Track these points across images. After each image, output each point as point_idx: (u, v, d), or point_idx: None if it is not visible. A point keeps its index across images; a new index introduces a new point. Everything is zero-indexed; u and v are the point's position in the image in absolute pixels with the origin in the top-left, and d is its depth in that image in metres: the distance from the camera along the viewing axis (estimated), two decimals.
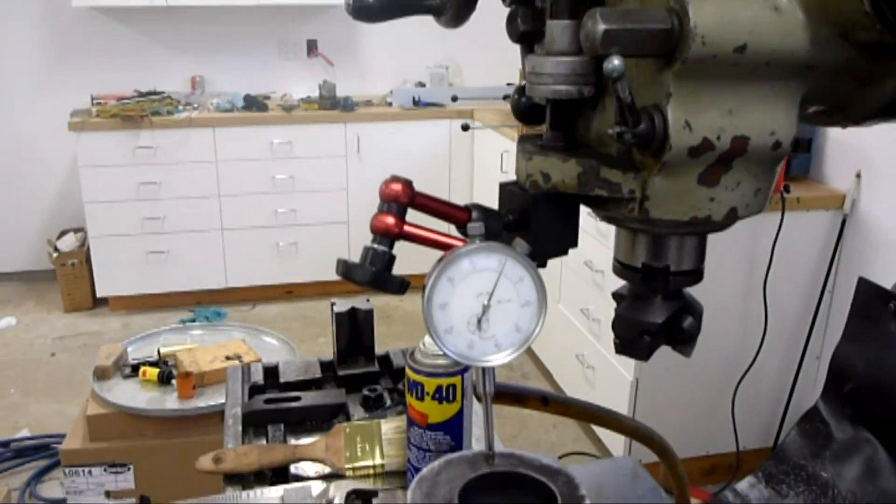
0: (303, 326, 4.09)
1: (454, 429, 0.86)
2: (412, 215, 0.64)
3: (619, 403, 2.66)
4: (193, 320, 3.94)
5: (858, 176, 2.64)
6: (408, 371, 0.86)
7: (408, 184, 0.61)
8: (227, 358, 2.55)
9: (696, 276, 0.68)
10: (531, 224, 0.63)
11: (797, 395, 2.79)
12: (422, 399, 0.85)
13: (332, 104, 4.20)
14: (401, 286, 0.61)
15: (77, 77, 4.33)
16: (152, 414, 2.41)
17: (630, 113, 0.57)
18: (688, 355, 0.70)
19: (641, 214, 0.61)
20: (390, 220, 0.60)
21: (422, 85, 4.48)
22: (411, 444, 0.88)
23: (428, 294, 0.59)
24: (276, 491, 0.78)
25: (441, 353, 0.82)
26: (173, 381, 2.51)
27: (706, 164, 0.59)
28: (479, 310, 0.59)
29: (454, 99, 4.16)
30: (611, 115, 0.62)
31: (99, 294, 4.19)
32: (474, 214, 0.62)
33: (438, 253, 0.62)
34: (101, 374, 2.54)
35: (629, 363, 2.68)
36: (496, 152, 3.77)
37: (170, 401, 2.45)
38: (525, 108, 0.70)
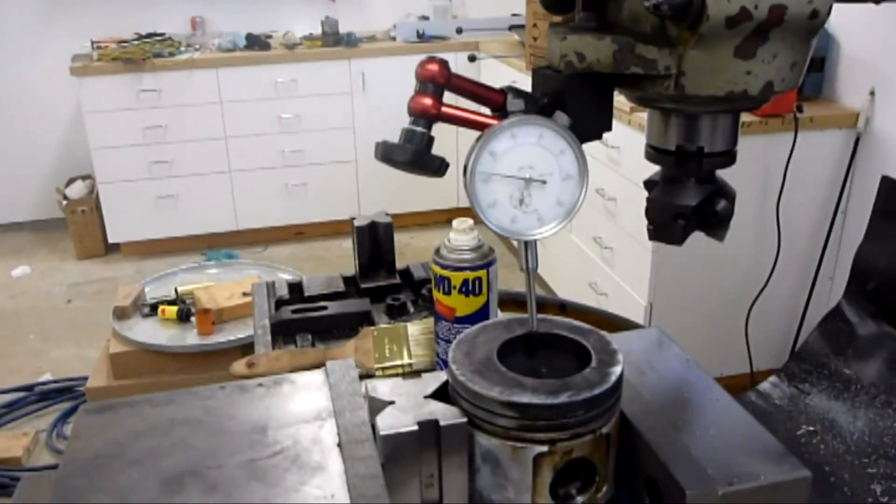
0: (315, 267, 4.11)
1: (481, 321, 0.87)
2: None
3: None
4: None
5: (872, 93, 2.61)
6: (434, 267, 0.88)
7: (444, 64, 0.61)
8: (244, 294, 2.58)
9: (729, 157, 0.68)
10: (566, 106, 0.63)
11: (810, 315, 2.80)
12: (449, 293, 0.87)
13: (335, 41, 4.14)
14: (441, 165, 0.61)
15: (76, 21, 4.27)
16: (174, 350, 2.45)
17: None
18: (721, 239, 0.71)
19: (677, 91, 0.61)
20: (428, 100, 0.60)
21: (425, 18, 4.41)
22: (440, 339, 0.91)
23: (471, 168, 0.59)
24: (317, 373, 0.82)
25: (466, 247, 0.85)
26: (192, 319, 2.54)
27: (743, 36, 0.58)
28: (521, 183, 0.60)
29: (459, 31, 4.10)
30: None
31: (111, 240, 4.20)
32: (510, 95, 0.62)
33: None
34: (121, 314, 2.58)
35: (642, 288, 2.69)
36: (503, 83, 3.70)
37: (190, 337, 2.49)
38: None
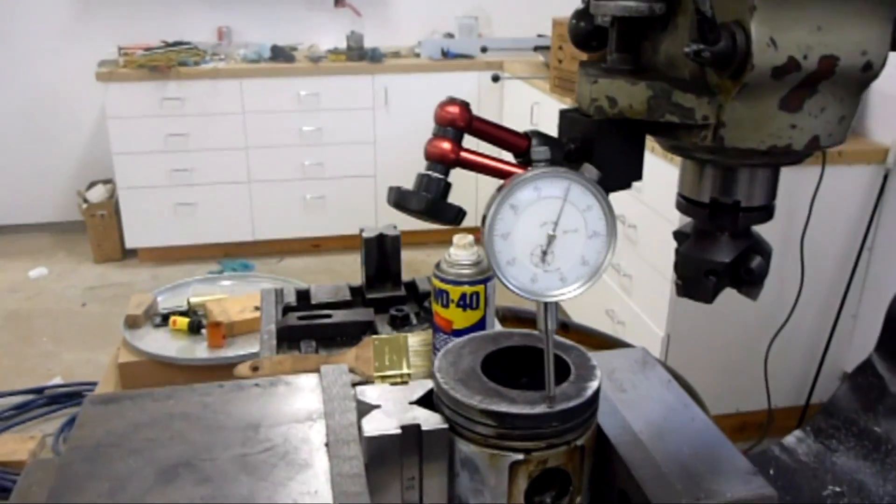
0: (330, 279, 4.08)
1: None
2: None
3: None
4: (221, 272, 3.94)
5: None
6: (433, 280, 0.89)
7: (465, 106, 0.57)
8: (257, 308, 2.55)
9: (767, 212, 0.64)
10: (594, 153, 0.59)
11: (831, 353, 2.73)
12: (447, 306, 0.89)
13: (359, 55, 4.13)
14: (457, 215, 0.57)
15: (104, 27, 4.29)
16: (183, 362, 2.42)
17: (709, 29, 0.52)
18: (754, 298, 0.66)
19: (715, 143, 0.57)
20: (446, 145, 0.56)
21: (450, 36, 4.39)
22: (437, 350, 0.92)
23: (489, 223, 0.55)
24: (312, 376, 0.86)
25: (465, 262, 0.85)
26: (203, 331, 2.52)
27: (789, 87, 0.54)
28: (543, 240, 0.56)
29: (484, 50, 4.07)
30: (683, 35, 0.57)
31: (128, 245, 4.20)
32: (535, 141, 0.58)
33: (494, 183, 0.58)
34: (132, 323, 2.55)
35: (660, 318, 2.64)
36: (526, 104, 3.69)
37: (200, 350, 2.46)
38: (585, 33, 0.65)
